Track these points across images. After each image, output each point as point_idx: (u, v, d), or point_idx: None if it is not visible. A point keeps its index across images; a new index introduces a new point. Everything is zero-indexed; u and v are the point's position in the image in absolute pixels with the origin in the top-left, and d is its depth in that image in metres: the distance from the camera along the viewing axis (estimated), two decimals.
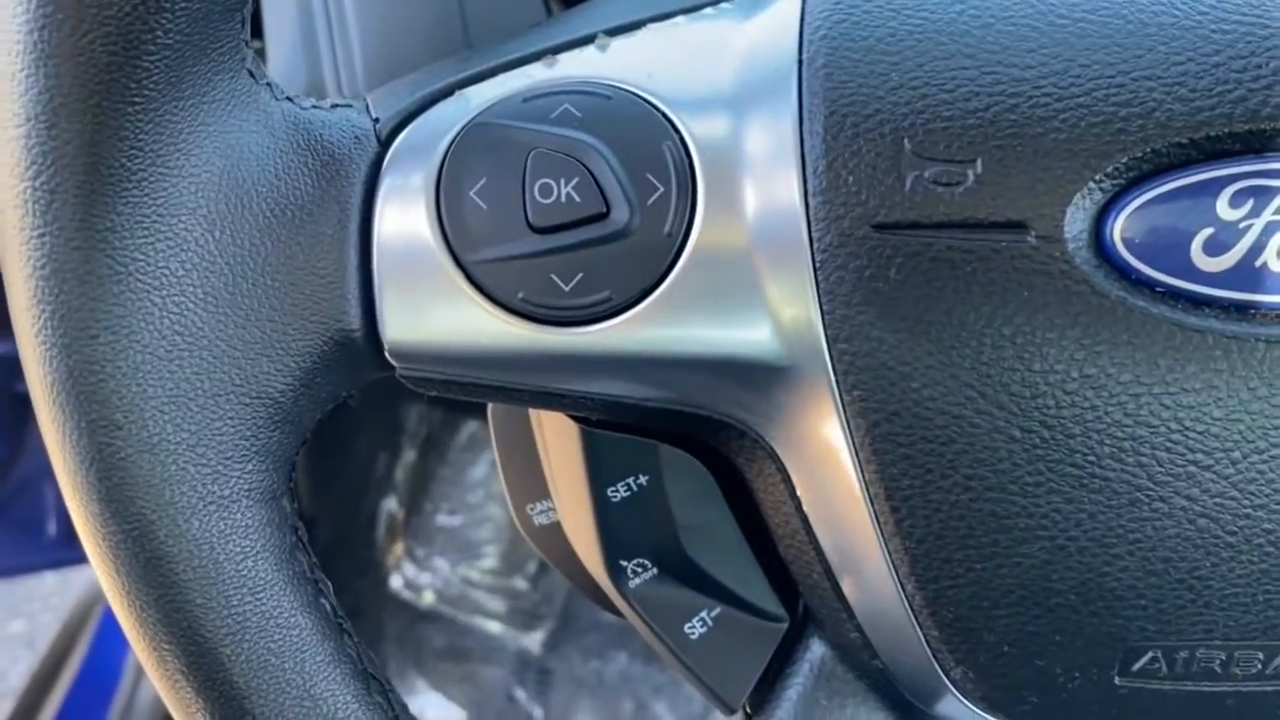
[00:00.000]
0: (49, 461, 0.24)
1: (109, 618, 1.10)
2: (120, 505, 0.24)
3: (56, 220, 0.22)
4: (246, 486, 0.25)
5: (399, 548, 1.23)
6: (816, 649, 0.30)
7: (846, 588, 0.28)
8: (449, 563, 1.21)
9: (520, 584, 1.17)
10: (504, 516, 1.18)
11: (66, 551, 1.08)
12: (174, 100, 0.22)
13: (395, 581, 1.23)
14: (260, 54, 0.49)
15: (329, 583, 0.26)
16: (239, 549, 0.25)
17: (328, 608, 0.26)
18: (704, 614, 0.30)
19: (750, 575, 0.30)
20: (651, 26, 0.27)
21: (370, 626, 1.21)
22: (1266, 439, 0.24)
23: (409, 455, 1.19)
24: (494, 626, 1.20)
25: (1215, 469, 0.24)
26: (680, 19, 0.27)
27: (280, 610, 0.25)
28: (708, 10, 0.28)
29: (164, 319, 0.23)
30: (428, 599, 1.21)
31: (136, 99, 0.22)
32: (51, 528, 1.06)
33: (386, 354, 0.26)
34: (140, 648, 0.25)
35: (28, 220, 0.22)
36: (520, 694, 1.18)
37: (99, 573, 0.24)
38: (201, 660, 0.25)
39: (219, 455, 0.24)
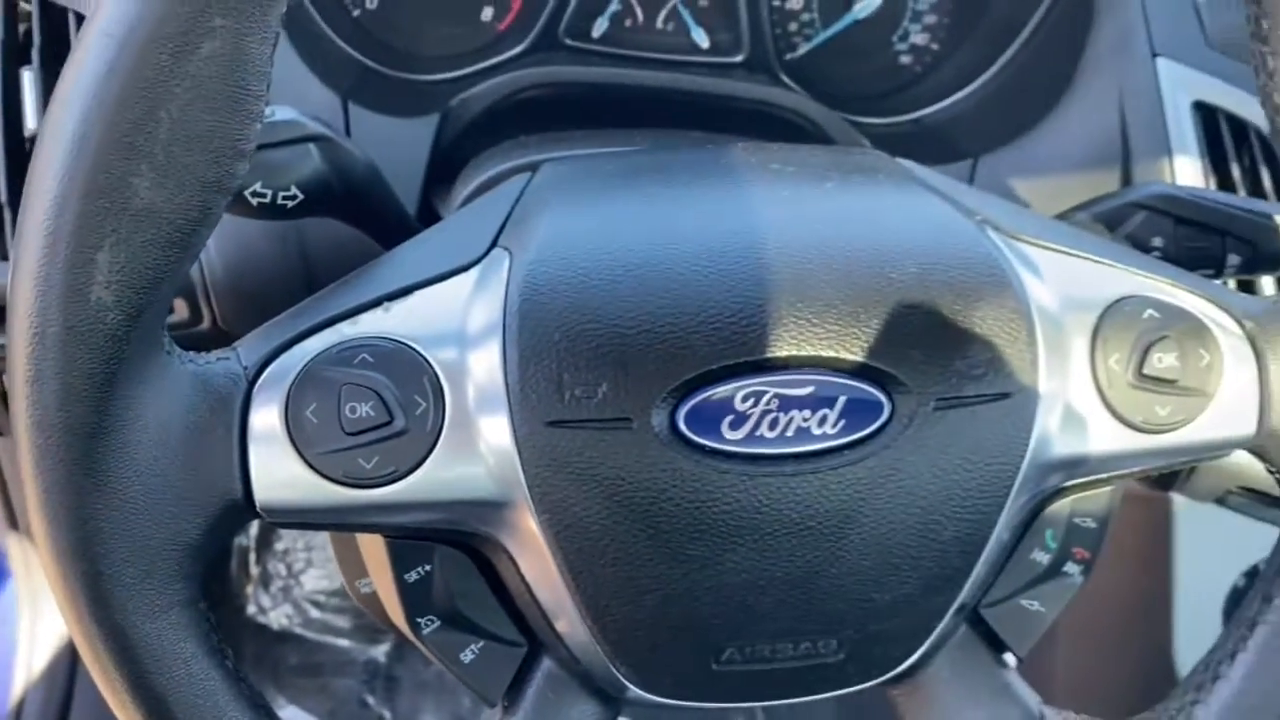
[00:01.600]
0: None
1: None
2: (102, 616, 0.39)
3: (55, 464, 0.37)
4: (177, 599, 0.40)
5: (252, 578, 1.36)
6: (546, 663, 0.48)
7: (559, 626, 0.46)
8: (298, 588, 1.35)
9: None
10: None
11: None
12: (124, 384, 0.38)
13: (250, 608, 1.36)
14: None
15: (231, 650, 0.43)
16: (175, 636, 0.40)
17: (230, 666, 0.42)
18: (473, 646, 0.47)
19: (501, 620, 0.47)
20: (418, 293, 0.44)
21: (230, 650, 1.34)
22: (769, 528, 0.42)
23: None
24: (343, 642, 1.34)
25: (746, 545, 0.43)
26: (437, 285, 0.44)
27: (202, 671, 0.41)
28: (454, 279, 0.44)
29: (122, 506, 0.39)
30: (280, 622, 1.35)
31: (105, 390, 0.38)
32: None
33: (259, 510, 0.42)
34: (112, 699, 0.41)
35: (41, 460, 0.37)
36: (371, 700, 1.32)
37: (86, 659, 0.40)
38: (153, 706, 0.41)
39: (159, 582, 0.40)
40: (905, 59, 0.84)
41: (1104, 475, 0.47)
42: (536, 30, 0.78)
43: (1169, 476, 0.72)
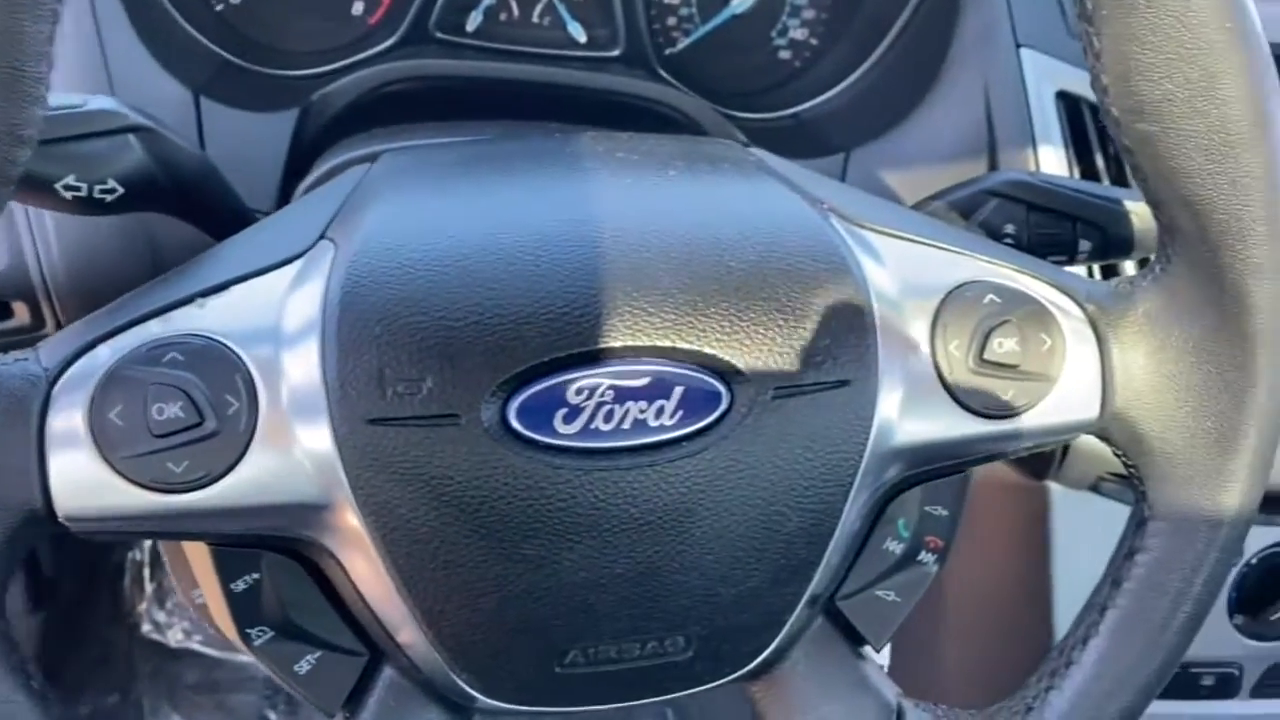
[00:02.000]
0: None
1: None
2: None
3: None
4: None
5: (146, 594, 1.31)
6: (387, 672, 0.46)
7: (395, 632, 0.44)
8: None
9: None
10: None
11: None
12: None
13: (145, 625, 1.31)
14: None
15: (39, 672, 0.40)
16: None
17: (36, 687, 0.40)
18: (309, 657, 0.45)
19: (339, 629, 0.45)
20: (235, 287, 0.42)
21: (123, 670, 1.30)
22: (607, 524, 0.41)
23: None
24: (243, 657, 1.30)
25: (584, 543, 0.42)
26: (257, 279, 0.42)
27: (6, 690, 0.39)
28: (275, 272, 0.42)
29: None
30: (177, 639, 1.31)
31: None
32: None
33: (61, 519, 0.40)
34: None
35: None
36: (273, 715, 1.29)
37: None
38: None
39: None
40: (784, 54, 0.84)
41: (950, 462, 0.47)
42: (406, 24, 0.77)
43: (1041, 465, 0.72)
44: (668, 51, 0.82)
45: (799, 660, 0.49)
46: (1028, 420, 0.46)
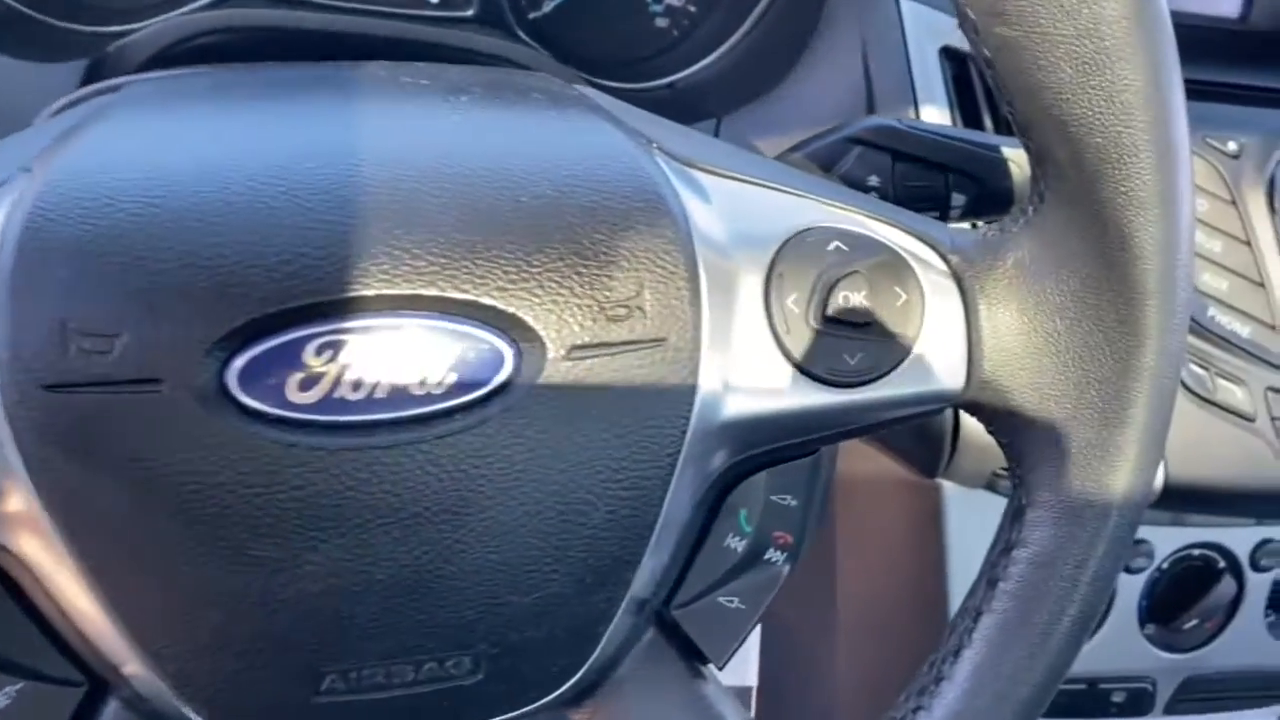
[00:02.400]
0: None
1: None
2: None
3: None
4: None
5: None
6: (111, 704, 0.37)
7: (112, 657, 0.35)
8: None
9: None
10: None
11: None
12: None
13: None
14: None
15: None
16: None
17: None
18: (8, 689, 0.37)
19: (47, 653, 0.37)
20: None
21: None
22: (359, 517, 0.34)
23: None
24: None
25: (330, 542, 0.34)
26: None
27: None
28: None
29: None
30: None
31: None
32: None
33: None
34: None
35: None
36: None
37: None
38: None
39: None
40: (661, 22, 0.77)
41: (795, 440, 0.40)
42: None
43: (931, 460, 0.65)
44: (531, 15, 0.75)
45: (626, 681, 0.41)
46: (881, 389, 0.39)
